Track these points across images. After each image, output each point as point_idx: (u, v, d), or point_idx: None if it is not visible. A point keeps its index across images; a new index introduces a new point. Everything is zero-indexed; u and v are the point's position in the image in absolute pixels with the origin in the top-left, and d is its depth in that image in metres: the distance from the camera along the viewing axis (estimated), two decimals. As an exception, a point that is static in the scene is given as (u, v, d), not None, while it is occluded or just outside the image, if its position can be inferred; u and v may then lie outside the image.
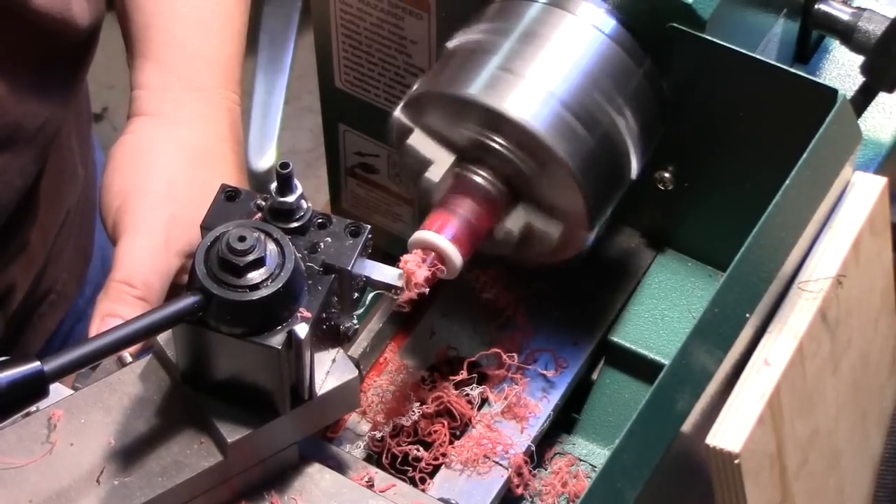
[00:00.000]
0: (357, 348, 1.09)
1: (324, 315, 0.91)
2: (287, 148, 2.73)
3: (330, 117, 1.23)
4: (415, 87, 1.01)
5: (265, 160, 2.45)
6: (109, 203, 1.16)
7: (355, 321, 0.96)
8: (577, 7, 1.00)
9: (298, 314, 0.89)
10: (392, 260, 0.96)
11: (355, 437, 1.06)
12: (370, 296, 0.96)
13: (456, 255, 0.96)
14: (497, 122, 0.97)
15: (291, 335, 0.88)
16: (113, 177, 1.17)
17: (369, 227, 0.93)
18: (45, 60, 1.23)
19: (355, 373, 0.94)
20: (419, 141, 1.01)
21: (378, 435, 1.04)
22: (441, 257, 0.96)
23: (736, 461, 0.90)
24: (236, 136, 1.23)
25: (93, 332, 1.07)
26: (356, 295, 0.94)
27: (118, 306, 1.07)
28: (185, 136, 1.19)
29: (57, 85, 1.26)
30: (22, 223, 1.33)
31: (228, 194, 0.94)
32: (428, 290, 0.95)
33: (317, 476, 0.96)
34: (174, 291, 1.13)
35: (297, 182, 0.91)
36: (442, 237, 0.96)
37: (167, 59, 1.23)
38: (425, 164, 1.01)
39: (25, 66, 1.21)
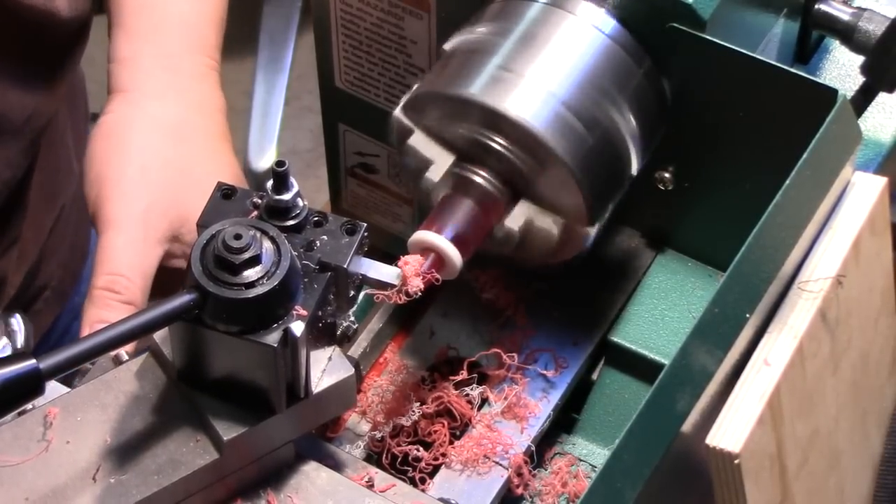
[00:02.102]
0: (357, 348, 1.09)
1: (320, 313, 0.91)
2: (287, 148, 2.74)
3: (330, 117, 1.23)
4: (415, 86, 1.01)
5: (265, 160, 2.46)
6: (87, 191, 1.15)
7: (352, 318, 0.96)
8: (577, 7, 1.00)
9: (294, 312, 0.89)
10: (392, 260, 0.96)
11: (355, 437, 1.06)
12: (361, 295, 0.96)
13: (456, 256, 0.96)
14: (497, 121, 0.97)
15: (287, 333, 0.88)
16: (90, 164, 1.16)
17: (365, 225, 0.93)
18: (30, 52, 1.22)
19: (351, 371, 0.94)
20: (419, 141, 1.01)
21: (378, 435, 1.04)
22: (441, 258, 0.96)
23: (736, 461, 0.90)
24: (213, 103, 1.21)
25: None
26: (352, 293, 0.94)
27: (105, 312, 1.07)
28: (157, 111, 1.18)
29: (43, 77, 1.25)
30: (13, 217, 1.33)
31: (225, 192, 0.94)
32: (420, 292, 0.95)
33: (313, 474, 0.96)
34: (163, 276, 1.12)
35: (293, 180, 0.92)
36: (442, 237, 0.96)
37: (137, 26, 1.21)
38: (425, 164, 1.01)
39: (9, 57, 1.20)
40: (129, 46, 1.20)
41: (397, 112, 1.01)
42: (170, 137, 1.17)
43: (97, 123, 1.18)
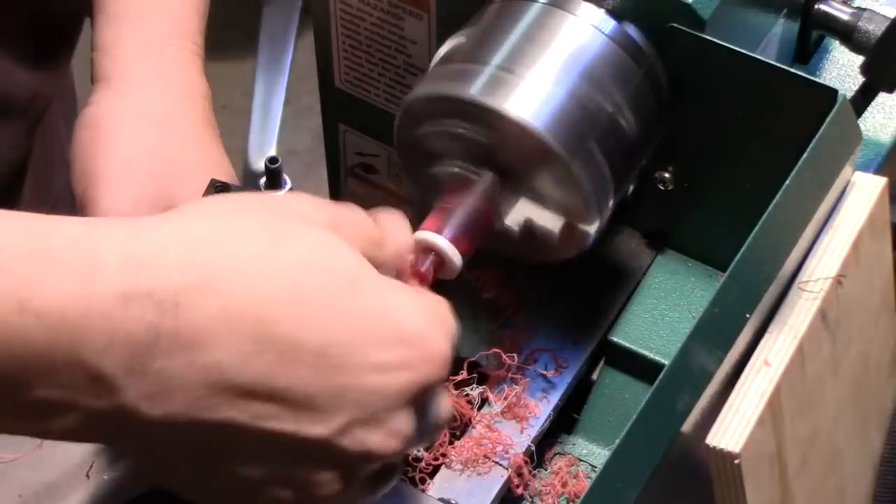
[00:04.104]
0: (357, 348, 1.09)
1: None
2: (287, 148, 2.73)
3: (330, 117, 1.23)
4: (414, 87, 1.01)
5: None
6: (75, 186, 1.15)
7: None
8: (577, 7, 1.00)
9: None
10: (392, 260, 0.96)
11: (355, 437, 1.05)
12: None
13: (456, 256, 0.96)
14: (497, 121, 0.97)
15: None
16: (76, 157, 1.15)
17: None
18: (34, 31, 1.22)
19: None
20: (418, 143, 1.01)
21: (378, 435, 1.04)
22: (441, 258, 0.96)
23: (736, 461, 0.90)
24: (197, 89, 1.20)
25: None
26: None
27: None
28: (142, 100, 1.16)
29: (45, 57, 1.25)
30: (11, 205, 1.33)
31: (218, 189, 0.94)
32: None
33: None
34: None
35: (286, 176, 0.92)
36: (442, 237, 0.96)
37: (118, 11, 1.20)
38: (425, 164, 1.01)
39: (14, 36, 1.20)
40: (111, 32, 1.19)
41: (398, 113, 1.01)
42: (155, 127, 1.15)
43: (81, 114, 1.17)
